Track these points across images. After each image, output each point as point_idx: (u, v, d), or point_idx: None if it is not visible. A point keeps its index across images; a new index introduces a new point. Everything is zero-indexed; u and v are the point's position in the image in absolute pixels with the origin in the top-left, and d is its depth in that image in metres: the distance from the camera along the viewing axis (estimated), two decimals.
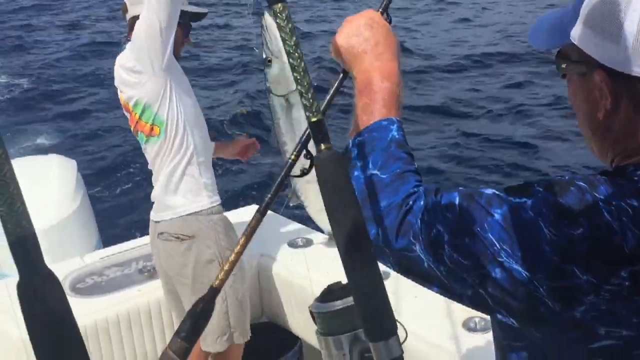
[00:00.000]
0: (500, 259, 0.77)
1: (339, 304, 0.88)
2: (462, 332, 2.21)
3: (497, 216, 0.79)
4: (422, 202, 0.84)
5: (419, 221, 0.82)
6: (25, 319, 0.57)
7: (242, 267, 2.51)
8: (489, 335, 2.19)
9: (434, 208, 0.83)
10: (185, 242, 2.37)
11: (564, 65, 0.91)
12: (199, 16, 2.62)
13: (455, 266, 0.80)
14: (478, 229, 0.78)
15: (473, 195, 0.82)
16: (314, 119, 0.73)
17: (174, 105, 2.34)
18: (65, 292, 2.24)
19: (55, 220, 3.76)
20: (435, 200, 0.84)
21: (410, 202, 0.84)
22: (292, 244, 3.00)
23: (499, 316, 0.81)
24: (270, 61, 2.29)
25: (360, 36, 0.96)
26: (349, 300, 0.88)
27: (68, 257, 3.25)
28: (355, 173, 0.89)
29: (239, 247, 1.96)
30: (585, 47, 0.84)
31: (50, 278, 0.56)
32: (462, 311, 2.32)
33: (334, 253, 2.81)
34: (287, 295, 2.88)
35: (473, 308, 0.86)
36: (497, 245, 0.78)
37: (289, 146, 2.38)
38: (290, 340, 2.87)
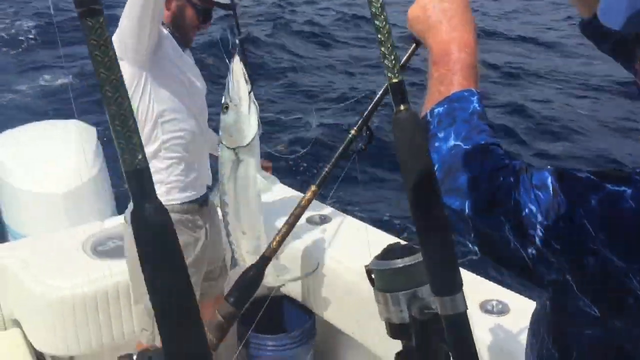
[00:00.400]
0: (594, 247, 0.75)
1: (399, 262, 0.90)
2: (479, 314, 2.25)
3: (593, 202, 0.76)
4: (512, 179, 0.81)
5: (510, 199, 0.79)
6: (137, 244, 0.60)
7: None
8: (506, 318, 2.25)
9: (525, 186, 0.79)
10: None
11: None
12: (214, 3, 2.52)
13: (545, 249, 0.78)
14: (573, 213, 0.76)
15: (566, 177, 0.79)
16: (394, 80, 0.76)
17: (145, 98, 2.30)
18: (87, 254, 2.31)
19: (74, 185, 3.79)
20: (526, 178, 0.80)
21: (500, 178, 0.81)
22: (310, 221, 3.03)
23: (580, 303, 0.78)
24: (227, 108, 2.11)
25: (436, 7, 0.95)
26: (408, 260, 0.90)
27: (85, 222, 3.30)
28: (436, 144, 0.87)
29: (292, 218, 2.00)
30: None
31: (160, 208, 0.59)
32: (478, 293, 2.36)
33: (351, 230, 2.86)
34: (303, 270, 2.92)
35: (550, 292, 0.84)
36: (592, 233, 0.75)
37: (230, 208, 2.24)
38: (305, 313, 2.92)
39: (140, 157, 0.57)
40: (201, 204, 2.53)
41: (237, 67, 2.07)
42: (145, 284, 0.61)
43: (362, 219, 3.32)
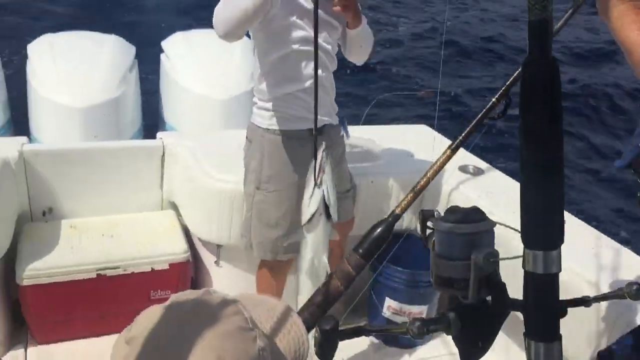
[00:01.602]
0: None
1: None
2: None
3: None
4: None
5: None
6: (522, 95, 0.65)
7: (282, 202, 2.53)
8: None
9: None
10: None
11: None
12: None
13: None
14: None
15: None
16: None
17: None
18: None
19: (235, 93, 3.98)
20: None
21: None
22: (463, 169, 3.04)
23: None
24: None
25: None
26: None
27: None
28: None
29: (425, 179, 2.03)
30: None
31: (555, 64, 0.62)
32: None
33: (498, 184, 2.83)
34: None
35: None
36: None
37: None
38: None
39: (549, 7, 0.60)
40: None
41: (319, 155, 2.09)
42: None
43: None
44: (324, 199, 2.18)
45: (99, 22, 7.16)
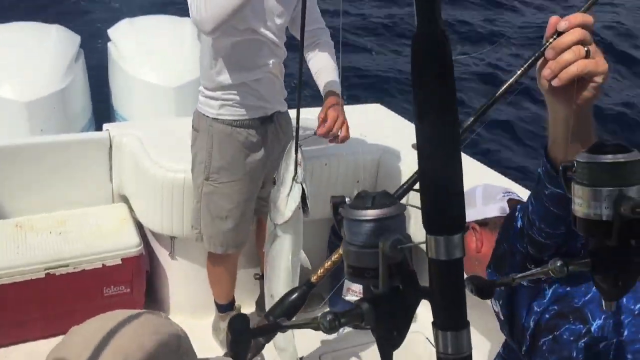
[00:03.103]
0: None
1: (609, 158, 0.87)
2: None
3: None
4: None
5: None
6: (413, 68, 0.60)
7: (233, 193, 2.48)
8: None
9: None
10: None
11: None
12: None
13: None
14: None
15: None
16: None
17: None
18: None
19: (187, 80, 3.88)
20: None
21: None
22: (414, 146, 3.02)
23: None
24: (274, 183, 2.19)
25: None
26: (620, 157, 0.87)
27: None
28: None
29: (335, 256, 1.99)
30: None
31: (444, 34, 0.58)
32: None
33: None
34: None
35: None
36: None
37: (265, 269, 2.28)
38: None
39: None
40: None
41: (291, 151, 2.10)
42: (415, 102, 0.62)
43: None
44: (303, 194, 2.14)
45: (41, 11, 6.92)
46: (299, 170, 2.14)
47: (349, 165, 2.99)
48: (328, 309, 3.13)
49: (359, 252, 0.73)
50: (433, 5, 0.57)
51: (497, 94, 1.12)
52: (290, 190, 2.16)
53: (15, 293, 2.63)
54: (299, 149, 2.10)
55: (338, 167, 2.96)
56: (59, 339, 2.74)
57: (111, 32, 4.38)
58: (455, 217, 0.62)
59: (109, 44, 4.35)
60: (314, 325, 0.74)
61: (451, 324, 0.63)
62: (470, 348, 0.64)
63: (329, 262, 1.91)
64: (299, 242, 2.26)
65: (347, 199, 0.80)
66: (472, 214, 1.72)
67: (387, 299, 0.72)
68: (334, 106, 2.33)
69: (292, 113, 2.68)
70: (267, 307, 2.43)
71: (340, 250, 1.95)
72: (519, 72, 1.09)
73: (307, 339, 2.79)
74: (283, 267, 2.28)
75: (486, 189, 1.80)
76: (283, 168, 2.17)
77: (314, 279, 1.90)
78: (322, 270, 1.92)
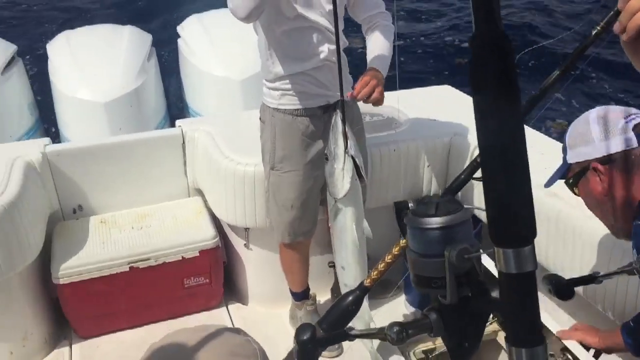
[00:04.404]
0: None
1: None
2: None
3: None
4: None
5: None
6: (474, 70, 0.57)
7: (297, 182, 2.49)
8: None
9: None
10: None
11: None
12: None
13: None
14: None
15: None
16: None
17: None
18: None
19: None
20: None
21: None
22: None
23: None
24: (326, 159, 2.23)
25: None
26: None
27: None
28: None
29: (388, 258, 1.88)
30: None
31: (506, 36, 0.55)
32: None
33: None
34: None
35: None
36: None
37: (333, 242, 2.34)
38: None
39: None
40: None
41: (338, 122, 2.14)
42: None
43: None
44: (355, 164, 2.17)
45: (113, 14, 7.17)
46: (349, 142, 2.16)
47: (418, 150, 2.93)
48: (403, 295, 3.13)
49: (424, 261, 0.71)
50: (491, 5, 0.53)
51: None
52: (344, 163, 2.17)
53: (102, 286, 2.77)
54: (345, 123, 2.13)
55: (407, 153, 2.91)
56: (145, 328, 2.85)
57: (180, 29, 4.49)
58: (524, 228, 0.59)
59: (178, 40, 4.45)
60: (381, 336, 0.72)
61: (525, 340, 0.59)
62: None
63: (383, 264, 1.88)
64: (360, 213, 2.29)
65: (410, 204, 0.78)
66: (590, 151, 1.44)
67: (456, 309, 0.70)
68: (374, 72, 2.28)
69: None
70: (341, 281, 2.45)
71: (394, 250, 1.93)
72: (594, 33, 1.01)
73: None
74: (349, 239, 2.29)
75: (602, 117, 1.48)
76: (332, 143, 2.20)
77: (367, 282, 1.88)
78: (375, 273, 1.90)
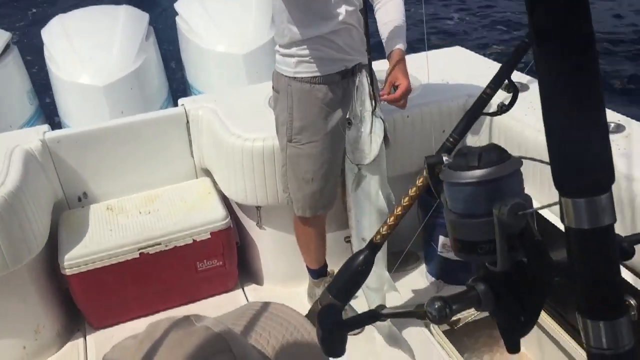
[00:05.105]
0: None
1: None
2: None
3: None
4: None
5: None
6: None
7: (317, 153, 2.37)
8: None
9: None
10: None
11: None
12: None
13: None
14: None
15: None
16: None
17: None
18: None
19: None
20: None
21: None
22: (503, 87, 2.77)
23: None
24: (350, 124, 2.11)
25: None
26: None
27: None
28: None
29: (405, 203, 1.78)
30: None
31: None
32: None
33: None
34: (491, 139, 2.73)
35: None
36: None
37: (352, 216, 2.24)
38: None
39: None
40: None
41: (363, 81, 2.04)
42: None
43: None
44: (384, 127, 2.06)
45: None
46: (377, 103, 2.06)
47: (433, 114, 2.79)
48: (423, 266, 3.02)
49: (467, 222, 0.58)
50: None
51: None
52: (372, 126, 2.05)
53: (113, 274, 2.68)
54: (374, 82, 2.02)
55: (421, 119, 2.78)
56: (159, 315, 2.76)
57: (177, 6, 4.34)
58: (600, 171, 0.46)
59: (176, 18, 4.31)
60: (420, 313, 0.61)
61: (604, 311, 0.48)
62: (631, 340, 0.49)
63: (392, 218, 1.75)
64: (385, 179, 2.20)
65: (445, 158, 0.66)
66: None
67: (509, 277, 0.58)
68: (400, 66, 2.22)
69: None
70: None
71: (403, 201, 1.80)
72: None
73: None
74: (374, 208, 2.19)
75: None
76: (358, 105, 2.08)
77: (377, 239, 1.75)
78: (385, 228, 1.77)
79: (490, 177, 0.57)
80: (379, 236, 1.74)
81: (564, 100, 0.45)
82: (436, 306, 0.58)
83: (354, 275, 1.62)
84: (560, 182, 0.47)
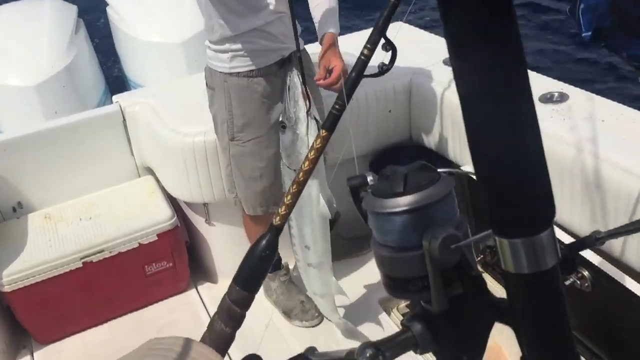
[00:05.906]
0: None
1: None
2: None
3: None
4: None
5: None
6: None
7: (262, 149, 2.28)
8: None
9: None
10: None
11: None
12: None
13: None
14: None
15: None
16: None
17: None
18: None
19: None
20: None
21: None
22: (447, 62, 2.72)
23: None
24: (284, 127, 2.03)
25: None
26: None
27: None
28: None
29: (301, 177, 1.67)
30: None
31: None
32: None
33: None
34: (438, 117, 2.67)
35: None
36: None
37: (293, 223, 2.17)
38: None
39: None
40: None
41: (295, 81, 1.95)
42: None
43: None
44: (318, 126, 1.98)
45: None
46: (310, 102, 1.99)
47: (377, 95, 2.72)
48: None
49: (395, 257, 0.51)
50: None
51: None
52: (308, 127, 1.97)
53: (56, 287, 2.54)
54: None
55: (366, 100, 2.70)
56: (109, 325, 2.62)
57: None
58: (539, 204, 0.39)
59: (107, 8, 4.10)
60: None
61: None
62: None
63: (289, 196, 1.67)
64: (325, 182, 2.13)
65: (369, 179, 0.57)
66: None
67: (448, 314, 0.51)
68: (333, 49, 2.11)
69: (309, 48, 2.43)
70: (301, 261, 2.28)
71: (299, 178, 1.71)
72: None
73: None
74: (315, 214, 2.12)
75: None
76: (291, 106, 2.00)
77: (277, 221, 1.66)
78: (283, 208, 1.68)
79: (418, 204, 0.49)
80: (279, 217, 1.65)
81: (492, 125, 0.37)
82: (367, 355, 0.51)
83: (259, 262, 1.53)
84: (494, 221, 0.39)
